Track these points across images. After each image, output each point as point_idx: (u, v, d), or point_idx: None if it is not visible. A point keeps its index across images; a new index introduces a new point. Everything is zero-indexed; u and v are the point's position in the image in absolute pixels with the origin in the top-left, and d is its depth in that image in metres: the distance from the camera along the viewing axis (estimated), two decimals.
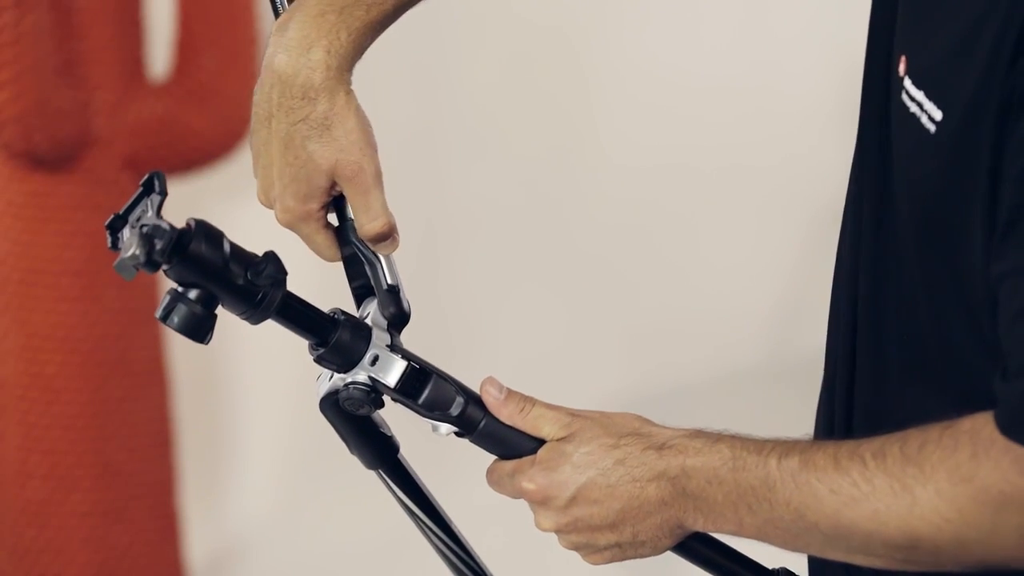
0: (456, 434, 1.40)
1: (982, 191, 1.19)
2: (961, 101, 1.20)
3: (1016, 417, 1.16)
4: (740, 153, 2.81)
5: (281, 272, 1.32)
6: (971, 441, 1.18)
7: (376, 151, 1.43)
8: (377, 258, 1.41)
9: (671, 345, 2.90)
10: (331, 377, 1.39)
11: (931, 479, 1.19)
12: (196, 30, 2.73)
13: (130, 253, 1.24)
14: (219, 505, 3.19)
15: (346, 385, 1.37)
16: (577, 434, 1.37)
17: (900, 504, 1.20)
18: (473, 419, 1.39)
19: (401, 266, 2.71)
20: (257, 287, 1.31)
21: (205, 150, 2.75)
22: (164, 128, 2.71)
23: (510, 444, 1.39)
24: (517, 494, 1.39)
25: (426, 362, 1.39)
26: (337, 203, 1.44)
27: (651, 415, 3.08)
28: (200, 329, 1.31)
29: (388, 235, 1.40)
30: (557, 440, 1.38)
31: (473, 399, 1.40)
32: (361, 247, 1.41)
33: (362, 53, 1.42)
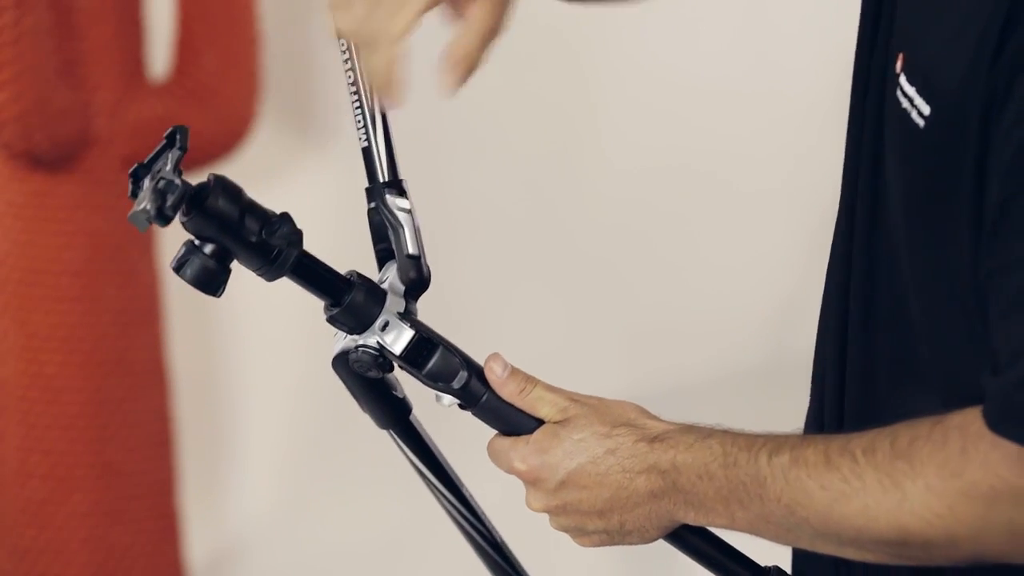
0: (459, 406, 1.41)
1: (968, 186, 1.19)
2: (949, 96, 1.20)
3: (1005, 412, 1.16)
4: (740, 154, 2.81)
5: (296, 232, 1.33)
6: (960, 436, 1.18)
7: None
8: (401, 224, 1.43)
9: (670, 346, 2.90)
10: (344, 337, 1.40)
11: (921, 474, 1.19)
12: (196, 30, 2.73)
13: (142, 206, 1.27)
14: (219, 505, 3.19)
15: (356, 347, 1.38)
16: (573, 419, 1.39)
17: (890, 499, 1.21)
18: (475, 393, 1.41)
19: None
20: (272, 245, 1.31)
21: (205, 150, 2.75)
22: (164, 128, 2.69)
23: (510, 421, 1.41)
24: (510, 471, 1.40)
25: (435, 332, 1.41)
26: (368, 162, 1.43)
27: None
28: (212, 283, 1.32)
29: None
30: (553, 423, 1.39)
31: (477, 374, 1.42)
32: (386, 211, 1.41)
33: None
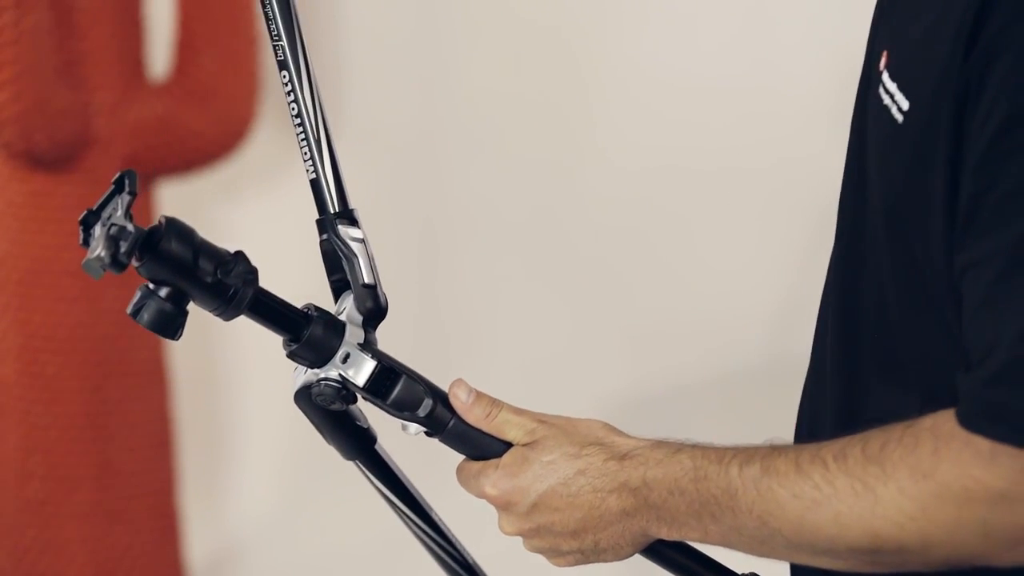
0: (426, 434, 1.41)
1: (942, 181, 1.19)
2: (925, 92, 1.21)
3: (976, 409, 1.16)
4: (739, 155, 2.81)
5: (251, 270, 1.32)
6: (932, 437, 1.18)
7: None
8: (355, 254, 1.42)
9: (670, 347, 2.90)
10: (305, 371, 1.39)
11: (893, 477, 1.19)
12: (196, 30, 2.73)
13: (96, 254, 1.26)
14: (219, 505, 3.19)
15: (318, 381, 1.38)
16: (541, 441, 1.38)
17: (862, 504, 1.20)
18: (441, 420, 1.40)
19: (401, 267, 2.72)
20: (227, 285, 1.31)
21: (205, 150, 2.75)
22: (164, 128, 2.71)
23: (478, 445, 1.41)
24: (480, 496, 1.40)
25: (397, 362, 1.40)
26: (317, 194, 1.44)
27: (650, 416, 3.09)
28: (170, 326, 1.32)
29: None
30: (522, 446, 1.39)
31: (442, 400, 1.40)
32: (339, 242, 1.42)
33: None
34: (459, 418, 1.40)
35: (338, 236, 1.42)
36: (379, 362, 1.38)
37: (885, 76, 1.26)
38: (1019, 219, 1.14)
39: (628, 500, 1.34)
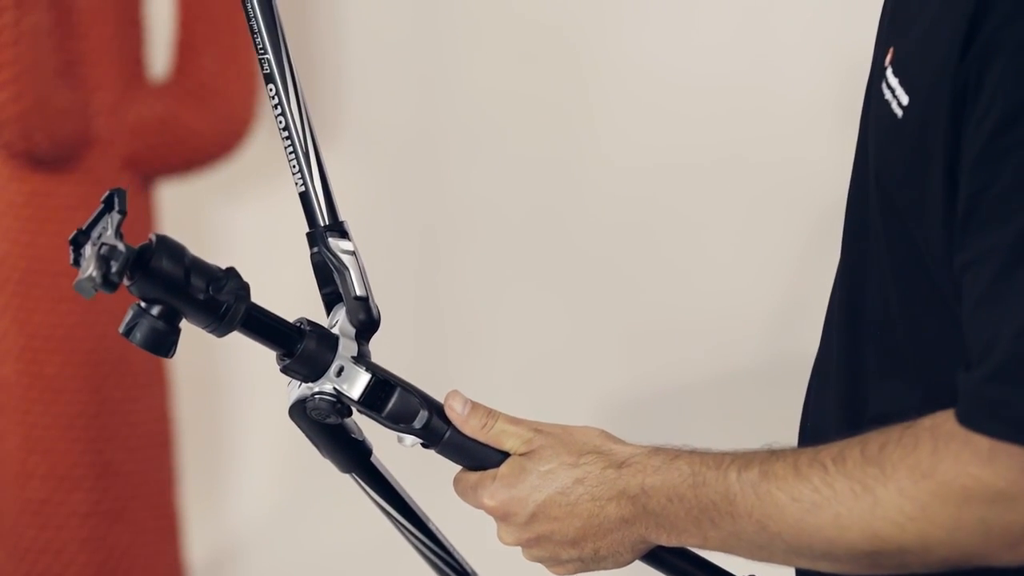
0: (422, 445, 1.40)
1: (940, 178, 1.19)
2: (924, 88, 1.21)
3: (975, 406, 1.16)
4: (740, 153, 2.81)
5: (243, 286, 1.32)
6: (931, 437, 1.18)
7: None
8: (346, 266, 1.41)
9: (671, 345, 2.90)
10: (300, 385, 1.39)
11: (892, 478, 1.19)
12: (196, 30, 2.73)
13: (87, 274, 1.24)
14: (219, 505, 3.19)
15: (312, 395, 1.38)
16: (538, 451, 1.38)
17: (862, 506, 1.20)
18: (437, 431, 1.39)
19: (401, 266, 2.72)
20: (219, 301, 1.31)
21: (205, 150, 2.75)
22: (164, 128, 2.71)
23: (475, 456, 1.40)
24: (478, 507, 1.40)
25: (391, 374, 1.39)
26: (306, 207, 1.44)
27: (651, 415, 3.09)
28: (163, 344, 1.32)
29: None
30: (519, 455, 1.38)
31: (438, 411, 1.40)
32: (329, 254, 1.42)
33: None
34: (455, 429, 1.40)
35: (329, 249, 1.42)
36: (373, 375, 1.38)
37: (889, 72, 1.26)
38: (1017, 216, 1.14)
39: (627, 508, 1.33)
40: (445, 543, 1.49)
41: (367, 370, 1.38)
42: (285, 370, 1.38)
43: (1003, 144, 1.15)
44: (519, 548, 1.40)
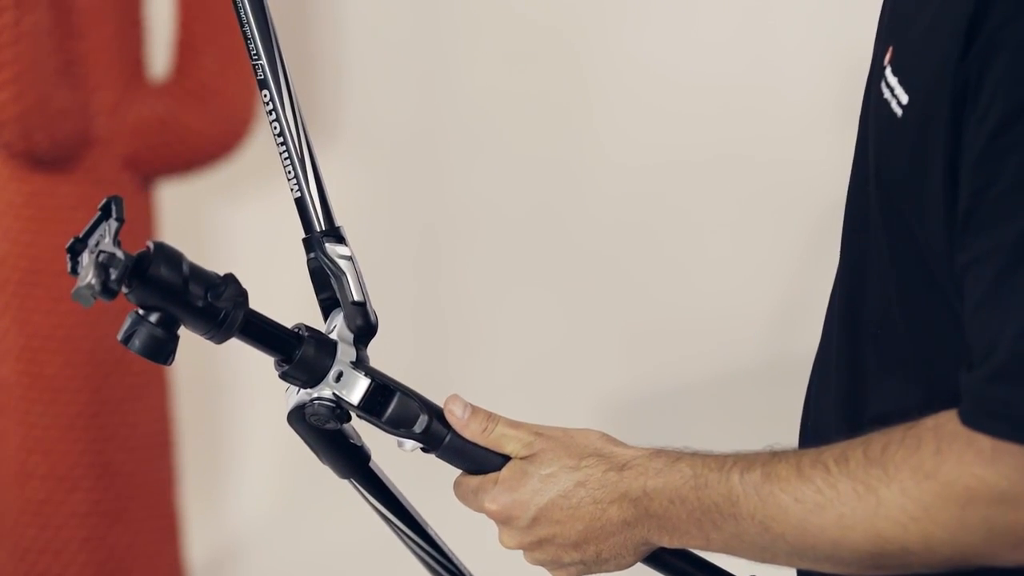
0: (422, 450, 1.40)
1: (940, 177, 1.19)
2: (924, 87, 1.20)
3: (978, 406, 1.15)
4: (739, 152, 2.81)
5: (241, 292, 1.32)
6: (934, 437, 1.17)
7: None
8: (343, 272, 1.41)
9: (671, 345, 2.90)
10: (298, 391, 1.39)
11: (895, 479, 1.18)
12: (196, 30, 2.73)
13: (86, 282, 1.24)
14: (219, 505, 3.19)
15: (311, 401, 1.37)
16: (539, 454, 1.37)
17: (865, 506, 1.20)
18: (438, 436, 1.39)
19: (401, 266, 2.72)
20: (218, 308, 1.31)
21: (205, 150, 2.75)
22: (164, 128, 2.70)
23: (476, 460, 1.40)
24: (480, 511, 1.40)
25: (390, 378, 1.39)
26: (302, 213, 1.43)
27: (650, 415, 3.09)
28: (161, 352, 1.32)
29: None
30: (520, 459, 1.38)
31: (438, 416, 1.39)
32: (326, 260, 1.41)
33: None
34: (455, 433, 1.39)
35: (326, 255, 1.41)
36: (373, 380, 1.37)
37: (888, 71, 1.26)
38: (1018, 216, 1.14)
39: (629, 510, 1.33)
40: (444, 548, 1.49)
41: (366, 375, 1.37)
42: (284, 376, 1.38)
43: (1003, 143, 1.15)
44: (520, 552, 1.40)
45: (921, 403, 1.21)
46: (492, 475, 1.39)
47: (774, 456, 1.27)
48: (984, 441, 1.15)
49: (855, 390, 1.36)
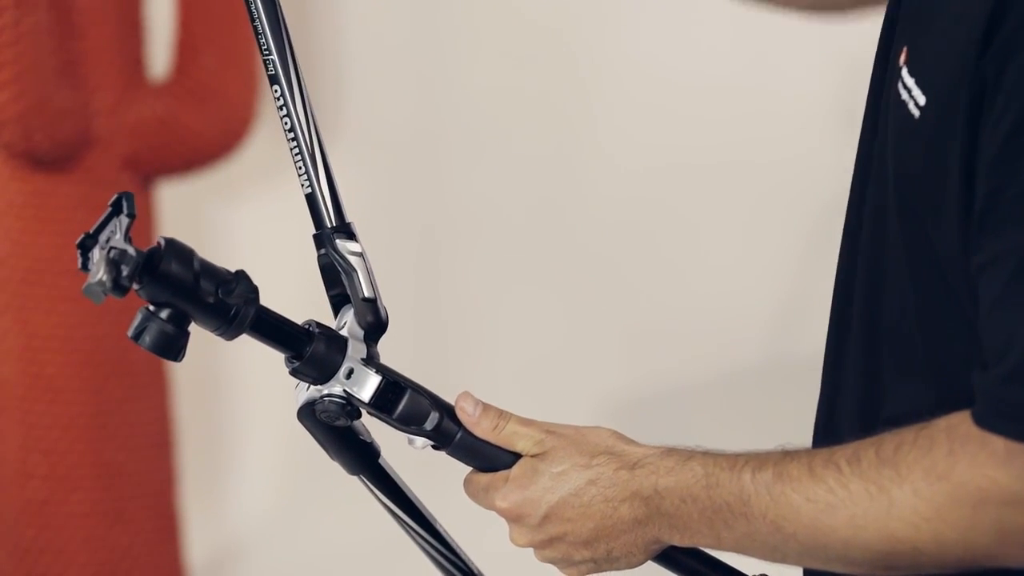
0: (432, 447, 1.40)
1: (957, 178, 1.19)
2: (942, 88, 1.20)
3: (992, 407, 1.15)
4: (740, 153, 2.81)
5: (252, 289, 1.32)
6: (947, 438, 1.17)
7: None
8: (353, 268, 1.41)
9: (671, 345, 2.90)
10: (308, 388, 1.38)
11: (907, 479, 1.18)
12: (196, 30, 2.73)
13: (97, 279, 1.24)
14: (219, 505, 3.19)
15: (322, 398, 1.37)
16: (551, 452, 1.37)
17: (877, 507, 1.20)
18: (448, 433, 1.39)
19: (401, 266, 2.72)
20: (229, 304, 1.31)
21: (205, 150, 2.75)
22: (164, 128, 2.71)
23: (486, 457, 1.39)
24: (491, 509, 1.40)
25: (401, 375, 1.39)
26: (313, 208, 1.43)
27: (650, 415, 3.09)
28: (172, 348, 1.31)
29: None
30: (531, 457, 1.38)
31: (448, 413, 1.39)
32: (337, 256, 1.41)
33: None
34: (466, 431, 1.39)
35: (336, 251, 1.41)
36: (384, 377, 1.37)
37: (904, 72, 1.26)
38: None
39: (640, 509, 1.33)
40: (453, 545, 1.48)
41: (377, 372, 1.37)
42: (294, 373, 1.37)
43: (1019, 145, 1.15)
44: (529, 550, 1.40)
45: (936, 405, 1.21)
46: (503, 473, 1.38)
47: (786, 456, 1.27)
48: (997, 442, 1.15)
49: (871, 392, 1.36)
